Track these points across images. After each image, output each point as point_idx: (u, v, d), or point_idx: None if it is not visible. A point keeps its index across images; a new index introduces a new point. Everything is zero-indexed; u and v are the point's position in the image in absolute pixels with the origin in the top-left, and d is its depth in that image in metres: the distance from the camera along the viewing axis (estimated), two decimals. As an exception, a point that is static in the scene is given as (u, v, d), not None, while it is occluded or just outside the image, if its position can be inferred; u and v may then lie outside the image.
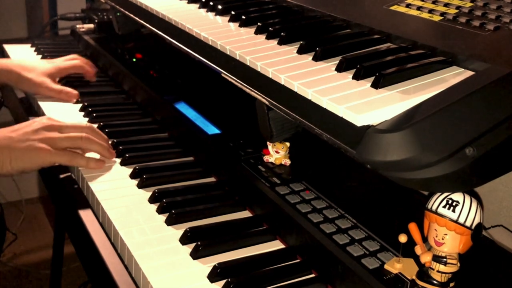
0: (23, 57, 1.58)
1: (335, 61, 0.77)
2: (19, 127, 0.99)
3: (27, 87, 1.30)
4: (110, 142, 1.07)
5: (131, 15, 1.25)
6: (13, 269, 2.32)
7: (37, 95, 1.30)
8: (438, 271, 0.64)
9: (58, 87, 1.30)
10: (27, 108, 1.32)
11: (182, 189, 0.95)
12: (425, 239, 0.66)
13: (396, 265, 0.70)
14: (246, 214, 0.90)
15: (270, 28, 0.91)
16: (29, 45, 1.69)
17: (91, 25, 1.71)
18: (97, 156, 1.02)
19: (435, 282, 0.64)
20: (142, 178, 0.97)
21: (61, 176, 1.04)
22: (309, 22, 0.97)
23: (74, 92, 1.31)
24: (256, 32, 0.93)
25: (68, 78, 1.39)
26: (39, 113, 1.26)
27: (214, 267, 0.75)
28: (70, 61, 1.39)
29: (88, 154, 1.02)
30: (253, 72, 0.82)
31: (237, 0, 1.10)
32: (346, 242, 0.75)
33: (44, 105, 1.26)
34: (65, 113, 1.23)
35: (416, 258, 0.67)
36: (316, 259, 0.77)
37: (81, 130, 1.02)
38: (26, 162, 0.95)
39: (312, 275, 0.77)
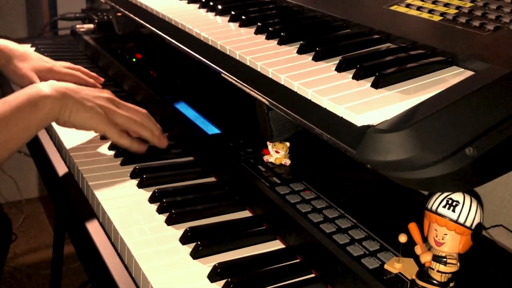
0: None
1: (335, 61, 0.77)
2: (84, 88, 1.02)
3: (12, 75, 1.29)
4: (110, 143, 1.08)
5: (131, 15, 1.25)
6: (13, 269, 2.32)
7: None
8: (438, 271, 0.64)
9: None
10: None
11: (182, 189, 0.95)
12: (425, 239, 0.66)
13: (396, 265, 0.70)
14: (246, 214, 0.90)
15: (270, 28, 0.91)
16: (29, 45, 1.68)
17: (91, 25, 1.71)
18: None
19: (435, 282, 0.64)
20: (142, 178, 0.97)
21: (61, 176, 1.04)
22: (309, 22, 0.97)
23: None
24: (256, 32, 0.93)
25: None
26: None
27: (214, 267, 0.75)
28: (70, 70, 1.35)
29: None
30: (253, 72, 0.82)
31: (237, 0, 1.10)
32: (346, 242, 0.75)
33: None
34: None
35: (416, 258, 0.67)
36: (316, 259, 0.77)
37: (137, 113, 1.04)
38: (83, 119, 0.98)
39: (312, 275, 0.77)
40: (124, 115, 1.02)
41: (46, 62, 1.35)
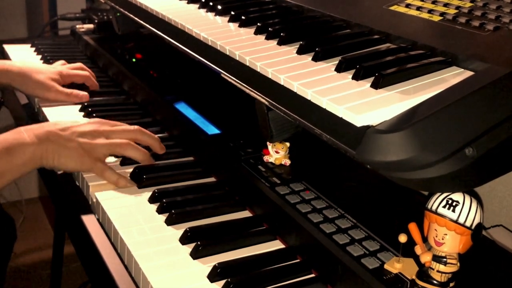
0: (23, 57, 1.57)
1: (334, 61, 0.77)
2: (68, 125, 1.00)
3: (33, 89, 1.27)
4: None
5: (131, 15, 1.25)
6: (13, 269, 2.32)
7: (39, 98, 1.29)
8: (438, 271, 0.64)
9: (68, 90, 1.29)
10: (28, 109, 1.32)
11: (182, 189, 0.95)
12: (425, 239, 0.66)
13: (396, 265, 0.70)
14: (246, 214, 0.90)
15: (269, 28, 0.91)
16: (29, 45, 1.68)
17: (91, 25, 1.71)
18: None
19: (435, 282, 0.64)
20: (142, 178, 0.97)
21: (61, 176, 1.04)
22: (308, 22, 0.97)
23: (85, 93, 1.30)
24: (256, 32, 0.93)
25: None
26: (39, 113, 1.26)
27: (214, 267, 0.75)
28: (77, 70, 1.36)
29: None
30: (253, 73, 0.82)
31: (237, 0, 1.10)
32: (346, 242, 0.75)
33: (44, 107, 1.26)
34: (65, 113, 1.23)
35: (416, 258, 0.67)
36: (316, 259, 0.77)
37: (125, 134, 1.02)
38: (68, 163, 0.97)
39: (312, 275, 0.77)
40: (107, 144, 0.99)
41: (53, 68, 1.35)
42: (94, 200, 0.93)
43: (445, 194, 0.63)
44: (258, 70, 0.80)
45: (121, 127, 1.05)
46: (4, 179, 0.93)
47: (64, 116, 1.21)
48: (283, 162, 0.94)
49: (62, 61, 1.41)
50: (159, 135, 1.14)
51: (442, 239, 0.63)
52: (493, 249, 0.77)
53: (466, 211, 0.62)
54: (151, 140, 1.04)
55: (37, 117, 1.27)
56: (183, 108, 1.16)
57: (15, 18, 2.58)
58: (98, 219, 0.91)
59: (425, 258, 0.64)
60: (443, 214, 0.63)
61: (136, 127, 1.05)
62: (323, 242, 0.76)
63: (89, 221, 0.91)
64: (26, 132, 0.96)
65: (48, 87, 1.27)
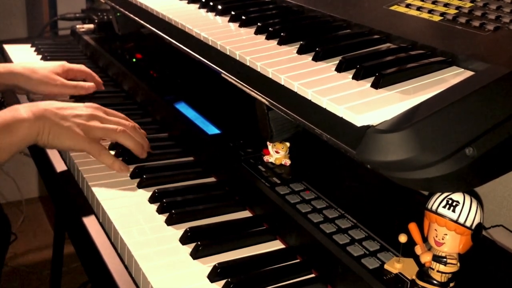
0: (23, 57, 1.57)
1: (335, 61, 0.77)
2: (65, 106, 1.01)
3: (37, 85, 1.27)
4: (109, 142, 1.07)
5: (131, 15, 1.25)
6: (13, 269, 2.32)
7: (45, 94, 1.28)
8: (438, 271, 0.64)
9: (73, 82, 1.29)
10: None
11: (182, 189, 0.95)
12: (425, 239, 0.66)
13: (396, 265, 0.70)
14: (246, 214, 0.90)
15: (270, 28, 0.91)
16: (29, 45, 1.69)
17: (91, 25, 1.71)
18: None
19: (435, 282, 0.64)
20: (142, 178, 0.97)
21: (61, 176, 1.04)
22: (309, 22, 0.97)
23: (91, 84, 1.30)
24: (256, 32, 0.93)
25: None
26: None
27: (214, 267, 0.75)
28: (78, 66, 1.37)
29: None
30: (253, 72, 0.82)
31: (237, 0, 1.10)
32: (346, 242, 0.75)
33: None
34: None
35: (416, 258, 0.67)
36: (316, 259, 0.77)
37: (120, 123, 1.03)
38: (61, 141, 0.98)
39: (312, 275, 0.77)
40: (103, 127, 1.01)
41: (54, 62, 1.35)
42: (94, 200, 0.93)
43: (445, 194, 0.63)
44: (259, 70, 0.80)
45: (115, 118, 1.05)
46: (3, 154, 0.93)
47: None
48: (283, 162, 0.94)
49: (63, 62, 1.40)
50: (159, 135, 1.14)
51: (442, 239, 0.63)
52: (493, 249, 0.77)
53: (466, 211, 0.62)
54: (138, 139, 1.03)
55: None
56: (183, 108, 1.16)
57: (15, 18, 2.58)
58: (98, 219, 0.91)
59: (425, 258, 0.64)
60: (443, 214, 0.63)
61: (129, 123, 1.05)
62: (323, 242, 0.76)
63: (89, 221, 0.91)
64: (22, 109, 0.97)
65: (53, 80, 1.27)
